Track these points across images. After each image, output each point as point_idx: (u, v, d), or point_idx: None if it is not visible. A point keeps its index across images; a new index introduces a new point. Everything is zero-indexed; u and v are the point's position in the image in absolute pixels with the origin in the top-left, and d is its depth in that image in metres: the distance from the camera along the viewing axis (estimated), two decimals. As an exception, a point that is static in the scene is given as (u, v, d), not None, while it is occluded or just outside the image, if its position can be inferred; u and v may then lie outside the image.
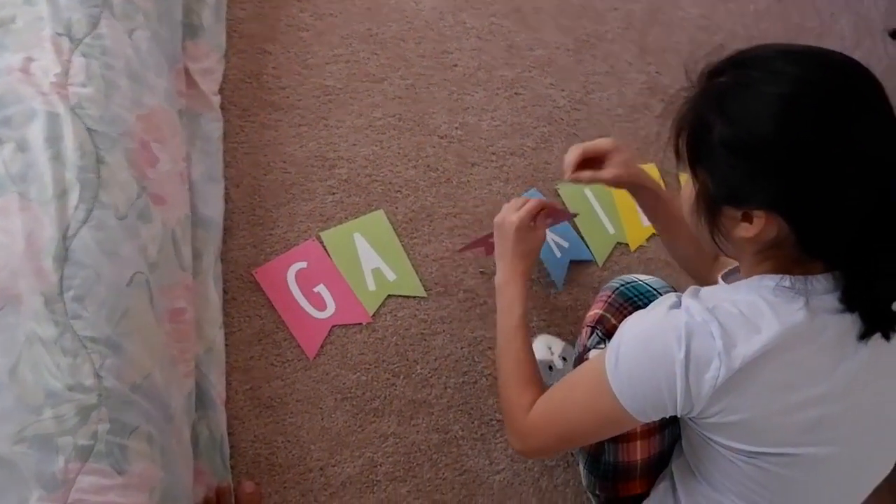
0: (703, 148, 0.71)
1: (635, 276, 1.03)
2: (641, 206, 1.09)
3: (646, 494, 0.96)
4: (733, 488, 0.80)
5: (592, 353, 0.94)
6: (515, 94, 1.51)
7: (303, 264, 1.21)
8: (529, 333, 0.95)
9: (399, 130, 1.40)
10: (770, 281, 0.71)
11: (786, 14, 1.94)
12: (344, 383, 1.17)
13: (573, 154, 1.03)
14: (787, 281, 0.70)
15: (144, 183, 1.03)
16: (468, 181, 1.40)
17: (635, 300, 0.96)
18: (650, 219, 1.10)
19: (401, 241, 1.30)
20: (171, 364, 1.00)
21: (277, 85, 1.37)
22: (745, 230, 0.70)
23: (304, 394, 1.16)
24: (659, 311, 0.74)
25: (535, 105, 1.51)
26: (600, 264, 1.40)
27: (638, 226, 1.48)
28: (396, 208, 1.33)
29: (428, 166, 1.39)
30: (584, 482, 1.05)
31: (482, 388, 1.23)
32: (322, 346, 1.18)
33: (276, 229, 1.25)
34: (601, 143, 1.03)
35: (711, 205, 0.72)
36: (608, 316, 0.95)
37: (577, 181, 1.05)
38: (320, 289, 1.19)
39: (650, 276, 1.02)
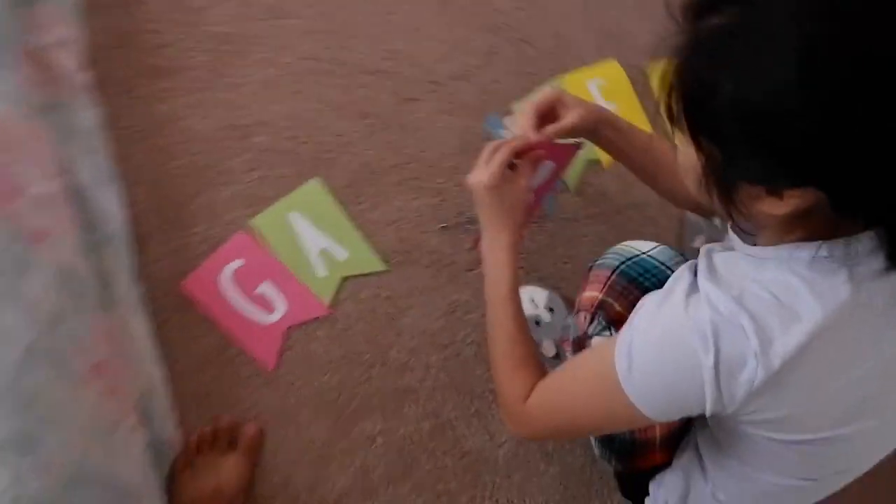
0: (707, 116, 0.54)
1: (633, 245, 0.88)
2: (607, 148, 0.90)
3: (668, 463, 0.90)
4: (769, 466, 0.73)
5: (596, 340, 0.83)
6: (446, 2, 1.28)
7: (238, 263, 1.02)
8: (520, 305, 0.82)
9: (317, 74, 1.17)
10: (803, 252, 0.58)
11: None
12: (315, 389, 1.03)
13: (527, 117, 0.84)
14: (824, 250, 0.57)
15: (12, 222, 0.83)
16: (409, 122, 1.19)
17: (640, 280, 0.82)
18: (621, 160, 0.92)
19: (345, 211, 1.11)
20: (111, 428, 0.84)
21: (158, 43, 1.11)
22: (772, 206, 0.55)
23: (274, 411, 1.01)
24: (675, 304, 0.61)
25: (472, 13, 1.28)
26: (573, 190, 1.26)
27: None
28: (332, 172, 1.12)
29: (360, 112, 1.17)
30: (597, 453, 0.97)
31: (467, 360, 1.10)
32: (281, 354, 1.02)
33: (196, 227, 1.04)
34: (548, 94, 0.85)
35: (724, 181, 0.57)
36: (610, 301, 0.82)
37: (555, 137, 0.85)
38: (264, 287, 1.02)
39: (652, 245, 0.87)
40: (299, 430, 1.01)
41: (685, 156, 0.61)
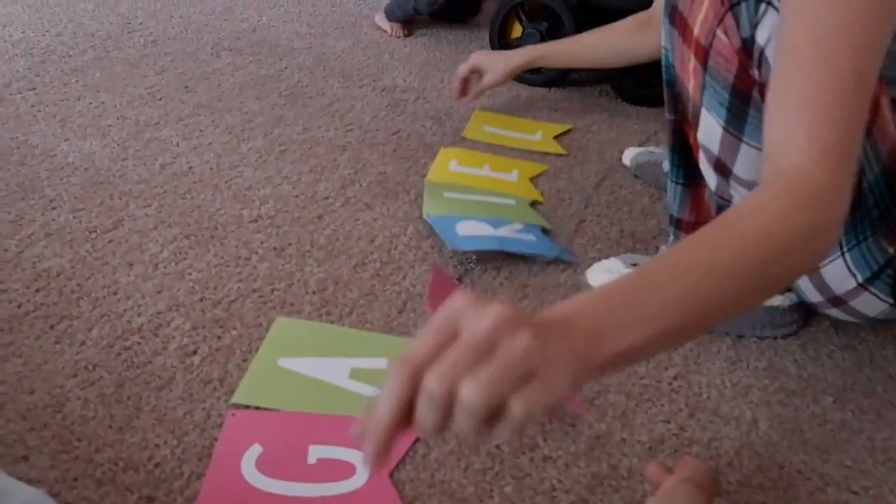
0: None
1: None
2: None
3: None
4: None
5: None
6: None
7: (256, 450, 0.66)
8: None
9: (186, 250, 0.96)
10: None
11: None
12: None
13: (454, 82, 1.29)
14: None
15: None
16: (326, 214, 1.00)
17: None
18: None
19: (339, 325, 0.83)
20: None
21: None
22: None
23: None
24: None
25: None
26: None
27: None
28: (289, 307, 0.85)
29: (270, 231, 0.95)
30: None
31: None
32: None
33: (160, 449, 0.66)
34: (467, 64, 1.27)
35: None
36: None
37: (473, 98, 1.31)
38: (317, 453, 0.67)
39: None
40: None
41: None
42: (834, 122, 0.49)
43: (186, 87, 1.39)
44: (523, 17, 1.52)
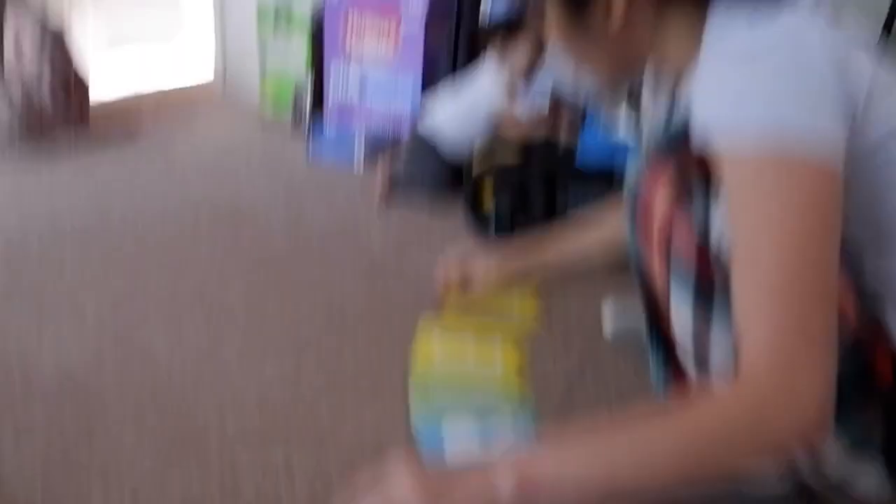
0: None
1: None
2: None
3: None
4: None
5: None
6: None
7: None
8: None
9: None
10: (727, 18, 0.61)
11: None
12: None
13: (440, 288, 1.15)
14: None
15: None
16: (311, 417, 0.97)
17: None
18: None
19: None
20: None
21: None
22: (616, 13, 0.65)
23: None
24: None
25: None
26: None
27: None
28: None
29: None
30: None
31: None
32: None
33: None
34: (460, 271, 1.14)
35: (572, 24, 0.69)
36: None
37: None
38: None
39: None
40: None
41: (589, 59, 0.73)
42: (786, 330, 0.54)
43: (165, 279, 1.39)
44: (495, 185, 1.58)
